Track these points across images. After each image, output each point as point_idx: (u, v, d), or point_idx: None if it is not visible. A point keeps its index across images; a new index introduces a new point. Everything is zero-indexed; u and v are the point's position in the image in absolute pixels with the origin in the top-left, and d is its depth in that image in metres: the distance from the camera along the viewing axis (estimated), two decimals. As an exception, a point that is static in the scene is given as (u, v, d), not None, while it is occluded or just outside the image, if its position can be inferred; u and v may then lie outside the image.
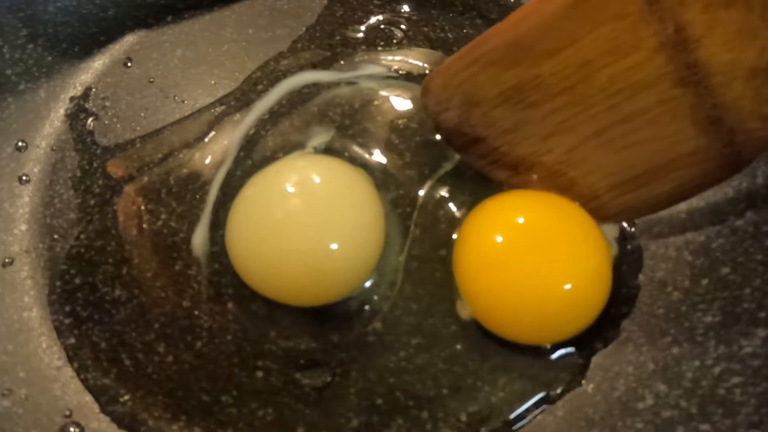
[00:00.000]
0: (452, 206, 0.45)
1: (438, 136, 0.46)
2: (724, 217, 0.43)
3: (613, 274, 0.42)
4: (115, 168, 0.47)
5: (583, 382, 0.41)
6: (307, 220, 0.41)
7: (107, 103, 0.49)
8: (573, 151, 0.42)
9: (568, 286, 0.39)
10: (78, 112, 0.49)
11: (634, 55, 0.37)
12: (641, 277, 0.44)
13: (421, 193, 0.45)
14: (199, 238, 0.45)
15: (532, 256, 0.40)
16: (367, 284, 0.43)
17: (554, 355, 0.42)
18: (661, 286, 0.43)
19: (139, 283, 0.44)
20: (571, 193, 0.43)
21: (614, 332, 0.42)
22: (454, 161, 0.46)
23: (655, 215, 0.44)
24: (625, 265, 0.44)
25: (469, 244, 0.42)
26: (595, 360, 0.42)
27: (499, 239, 0.41)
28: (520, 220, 0.42)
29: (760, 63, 0.35)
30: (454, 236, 0.44)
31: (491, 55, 0.40)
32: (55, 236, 0.45)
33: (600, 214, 0.43)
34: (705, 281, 0.42)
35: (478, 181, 0.45)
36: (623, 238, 0.45)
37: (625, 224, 0.45)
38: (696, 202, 0.44)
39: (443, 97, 0.43)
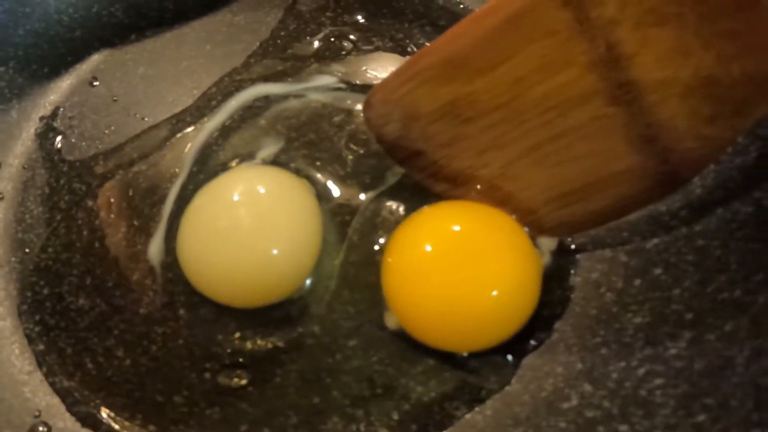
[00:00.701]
0: (390, 215, 0.47)
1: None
2: (659, 217, 0.43)
3: (542, 283, 0.42)
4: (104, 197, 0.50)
5: (513, 381, 0.42)
6: (250, 228, 0.43)
7: (74, 122, 0.52)
8: (508, 166, 0.42)
9: (494, 293, 0.40)
10: (47, 131, 0.52)
11: (566, 72, 0.37)
12: (577, 278, 0.44)
13: (361, 201, 0.47)
14: (155, 248, 0.47)
15: (455, 266, 0.41)
16: (307, 289, 0.45)
17: (486, 357, 0.42)
18: (595, 286, 0.44)
19: (101, 293, 0.47)
20: (508, 206, 0.43)
21: (547, 333, 0.43)
22: (398, 174, 0.48)
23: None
24: (561, 266, 0.45)
25: (394, 255, 0.43)
26: (526, 360, 0.42)
27: (423, 250, 0.42)
28: (445, 231, 0.43)
29: (695, 81, 0.35)
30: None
31: (427, 72, 0.41)
32: (26, 250, 0.48)
33: (537, 228, 0.44)
34: (638, 282, 0.42)
35: (419, 192, 0.47)
36: (561, 244, 0.45)
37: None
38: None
39: (383, 111, 0.44)
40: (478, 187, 0.44)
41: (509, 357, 0.43)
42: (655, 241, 0.43)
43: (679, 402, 0.37)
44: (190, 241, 0.45)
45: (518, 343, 0.42)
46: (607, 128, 0.38)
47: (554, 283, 0.44)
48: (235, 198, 0.44)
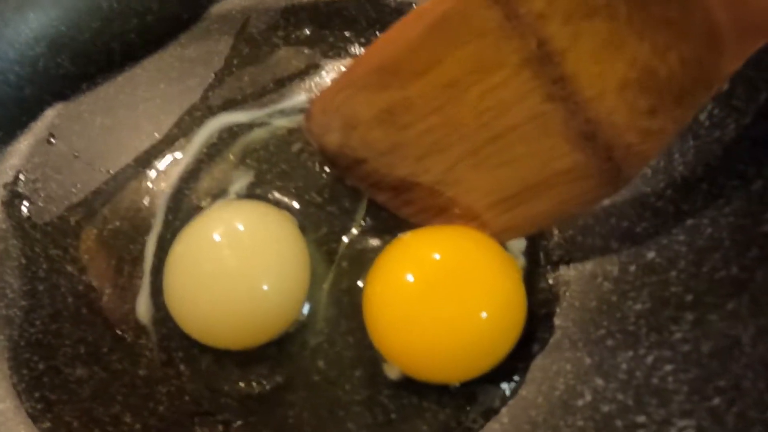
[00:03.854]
0: (378, 235, 0.45)
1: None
2: (645, 199, 0.42)
3: (534, 282, 0.42)
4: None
5: (525, 385, 0.41)
6: (237, 267, 0.41)
7: (38, 185, 0.49)
8: (449, 172, 0.41)
9: (483, 315, 0.39)
10: (12, 198, 0.49)
11: (500, 72, 0.36)
12: (570, 272, 0.43)
13: (345, 227, 0.45)
14: (143, 306, 0.45)
15: (438, 302, 0.39)
16: (303, 322, 0.44)
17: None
18: (591, 277, 0.42)
19: (97, 359, 0.44)
20: (451, 213, 0.42)
21: (549, 332, 0.42)
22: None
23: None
24: (550, 263, 0.43)
25: (376, 307, 0.41)
26: (535, 363, 0.41)
27: (403, 294, 0.40)
28: (418, 265, 0.40)
29: (631, 74, 0.33)
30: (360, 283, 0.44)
31: (363, 80, 0.40)
32: (13, 326, 0.46)
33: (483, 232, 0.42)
34: (633, 268, 0.41)
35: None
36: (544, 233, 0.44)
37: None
38: (616, 186, 0.42)
39: (323, 120, 0.43)
40: (420, 194, 0.42)
41: (517, 361, 0.41)
42: (644, 224, 0.41)
43: (691, 387, 0.35)
44: (178, 291, 0.43)
45: (523, 347, 0.41)
46: (545, 126, 0.37)
47: (546, 281, 0.43)
48: (217, 239, 0.42)
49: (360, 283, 0.44)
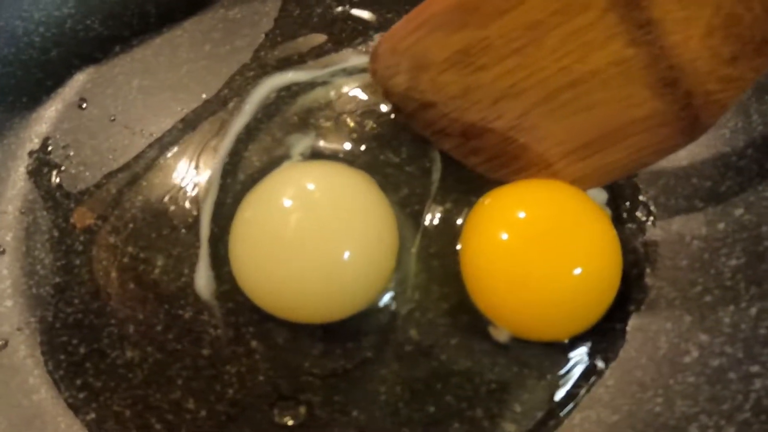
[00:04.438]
0: (463, 195, 0.42)
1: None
2: (726, 159, 0.42)
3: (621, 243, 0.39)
4: (81, 217, 0.42)
5: (625, 347, 0.39)
6: (314, 232, 0.38)
7: (70, 152, 0.44)
8: (523, 117, 0.39)
9: (578, 271, 0.37)
10: (40, 167, 0.44)
11: (585, 14, 0.35)
12: (657, 231, 0.42)
13: (427, 188, 0.42)
14: (203, 279, 0.41)
15: (543, 258, 0.37)
16: (392, 291, 0.40)
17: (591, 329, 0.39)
18: (679, 237, 0.41)
19: (151, 340, 0.39)
20: (523, 160, 0.41)
21: (643, 292, 0.41)
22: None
23: (657, 166, 0.41)
24: (635, 223, 0.42)
25: (482, 271, 0.39)
26: (632, 323, 0.40)
27: (509, 254, 0.38)
28: (521, 227, 0.39)
29: (717, 20, 0.33)
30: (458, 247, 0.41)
31: (438, 19, 0.38)
32: (46, 306, 0.40)
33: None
34: (722, 225, 0.40)
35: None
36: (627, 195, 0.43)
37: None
38: (696, 148, 0.42)
39: (391, 62, 0.41)
40: (492, 140, 0.41)
41: (615, 323, 0.40)
42: (728, 183, 0.41)
43: (803, 334, 0.35)
44: (250, 260, 0.38)
45: (618, 309, 0.39)
46: (626, 72, 0.36)
47: (633, 242, 0.42)
48: (292, 202, 0.38)
49: (451, 247, 0.41)
